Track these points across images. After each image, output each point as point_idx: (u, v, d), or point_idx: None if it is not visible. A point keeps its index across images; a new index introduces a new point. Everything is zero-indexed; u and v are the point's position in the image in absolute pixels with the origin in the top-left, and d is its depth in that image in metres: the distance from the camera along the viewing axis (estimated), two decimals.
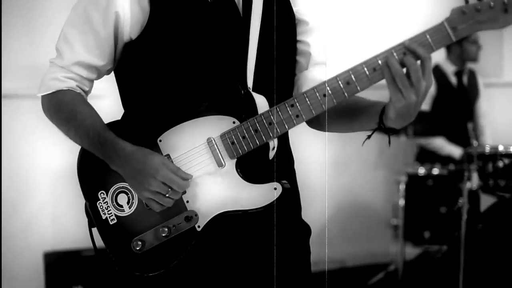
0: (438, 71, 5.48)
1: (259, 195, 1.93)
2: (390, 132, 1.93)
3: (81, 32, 2.01)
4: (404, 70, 1.81)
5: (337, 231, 5.81)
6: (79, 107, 2.02)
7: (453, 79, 5.54)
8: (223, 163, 1.94)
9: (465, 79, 5.57)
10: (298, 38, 2.14)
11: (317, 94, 1.90)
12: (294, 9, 2.13)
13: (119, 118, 2.09)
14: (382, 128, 1.92)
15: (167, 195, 1.90)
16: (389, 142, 1.99)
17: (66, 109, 2.03)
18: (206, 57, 1.98)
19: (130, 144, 1.94)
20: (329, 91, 1.89)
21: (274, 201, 1.93)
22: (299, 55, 2.15)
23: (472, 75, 5.65)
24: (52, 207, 4.92)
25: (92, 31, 2.00)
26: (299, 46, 2.15)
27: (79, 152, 2.05)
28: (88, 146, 1.99)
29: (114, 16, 1.98)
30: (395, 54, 1.82)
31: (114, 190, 1.99)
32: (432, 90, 5.41)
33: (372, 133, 1.97)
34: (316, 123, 2.14)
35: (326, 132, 2.15)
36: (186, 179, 1.92)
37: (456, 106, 5.56)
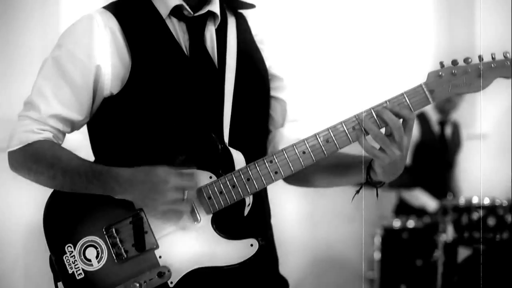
0: (422, 118, 5.49)
1: (235, 251, 1.91)
2: (377, 185, 1.97)
3: (57, 86, 1.97)
4: (383, 130, 1.84)
5: (313, 285, 5.76)
6: (61, 152, 1.97)
7: (436, 128, 5.56)
8: (199, 218, 1.92)
9: (448, 130, 5.59)
10: (272, 93, 2.13)
11: (296, 151, 1.90)
12: (267, 64, 2.13)
13: None
14: (370, 182, 1.95)
15: (184, 197, 1.85)
16: (377, 195, 2.01)
17: (47, 156, 1.96)
18: (185, 111, 1.97)
19: (126, 168, 1.89)
20: (309, 149, 1.89)
21: (251, 257, 1.91)
22: (274, 111, 2.14)
23: (456, 127, 5.67)
24: (24, 262, 4.85)
25: (69, 85, 1.97)
26: (274, 102, 2.14)
27: (46, 204, 2.00)
28: (80, 186, 1.93)
29: (95, 70, 1.96)
30: (374, 113, 1.85)
31: (82, 244, 1.94)
32: (416, 137, 5.44)
33: (361, 188, 2.00)
34: (294, 179, 2.12)
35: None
36: (193, 179, 1.88)
37: (436, 157, 5.57)
